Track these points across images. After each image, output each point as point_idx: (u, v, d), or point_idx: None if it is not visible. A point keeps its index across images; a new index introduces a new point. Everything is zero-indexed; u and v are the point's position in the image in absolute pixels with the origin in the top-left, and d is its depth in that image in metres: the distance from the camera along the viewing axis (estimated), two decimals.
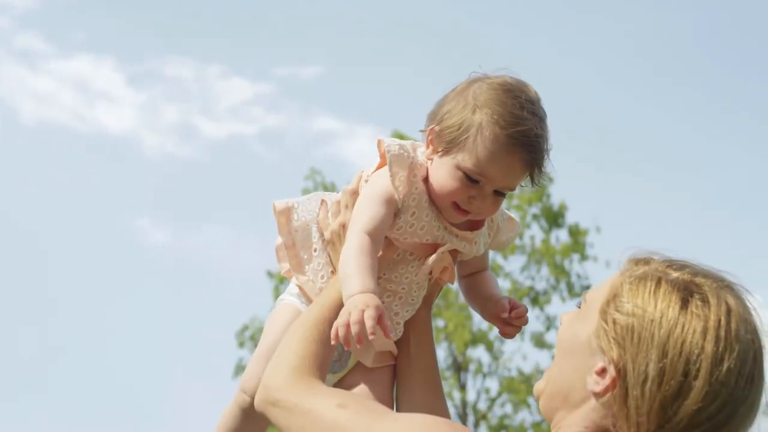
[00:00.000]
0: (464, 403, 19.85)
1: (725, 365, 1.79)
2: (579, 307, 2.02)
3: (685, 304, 1.84)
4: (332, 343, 2.23)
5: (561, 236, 20.75)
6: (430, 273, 2.50)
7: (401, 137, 15.95)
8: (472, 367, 20.07)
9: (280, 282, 20.71)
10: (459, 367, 19.83)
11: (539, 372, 20.06)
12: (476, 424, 19.86)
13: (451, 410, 19.40)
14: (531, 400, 19.94)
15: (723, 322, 1.82)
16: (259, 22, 28.29)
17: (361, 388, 2.51)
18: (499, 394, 20.21)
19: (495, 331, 20.48)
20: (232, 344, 21.51)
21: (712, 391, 1.78)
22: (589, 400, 1.89)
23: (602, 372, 1.86)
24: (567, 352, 1.97)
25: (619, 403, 1.83)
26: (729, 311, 1.84)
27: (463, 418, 19.71)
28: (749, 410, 1.83)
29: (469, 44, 27.60)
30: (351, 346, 2.21)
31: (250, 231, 28.27)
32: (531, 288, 20.53)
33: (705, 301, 1.84)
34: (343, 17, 28.43)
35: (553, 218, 20.49)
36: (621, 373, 1.83)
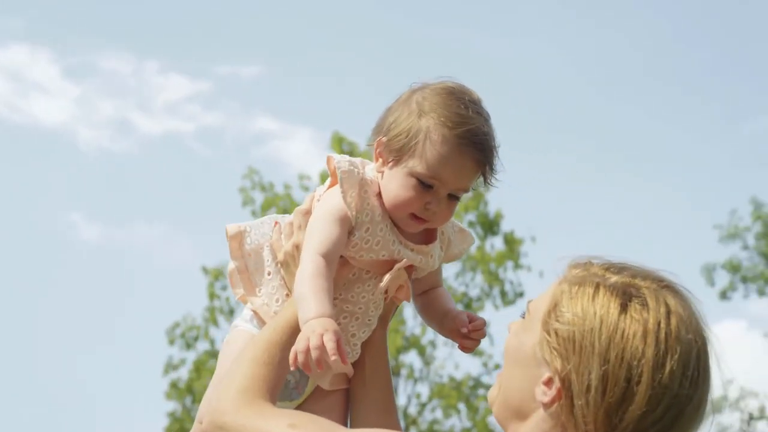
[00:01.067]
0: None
1: (667, 368, 1.79)
2: (523, 317, 2.02)
3: (624, 308, 1.84)
4: (291, 368, 2.20)
5: (496, 244, 20.88)
6: (386, 292, 2.48)
7: (341, 139, 15.87)
8: (403, 372, 20.09)
9: (215, 278, 20.55)
10: (391, 372, 19.83)
11: (471, 378, 20.16)
12: (406, 429, 19.88)
13: None
14: (461, 406, 20.03)
15: (663, 325, 1.82)
16: (200, 20, 28.12)
17: (316, 412, 2.42)
18: (430, 399, 20.27)
19: (427, 337, 20.64)
20: (163, 342, 21.32)
21: (655, 395, 1.79)
22: (538, 410, 1.89)
23: (549, 382, 1.86)
24: (514, 362, 1.97)
25: (566, 413, 1.83)
26: (669, 312, 1.84)
27: None
28: (696, 410, 1.83)
29: (407, 47, 27.68)
30: (310, 370, 2.18)
31: (185, 228, 28.08)
32: (464, 294, 20.63)
33: (644, 304, 1.84)
34: (284, 18, 28.37)
35: (489, 226, 20.60)
36: (565, 384, 1.83)
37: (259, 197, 20.68)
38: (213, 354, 20.61)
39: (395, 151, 2.40)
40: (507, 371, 1.99)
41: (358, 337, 2.50)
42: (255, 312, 2.57)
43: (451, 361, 20.57)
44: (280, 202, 20.43)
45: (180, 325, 20.85)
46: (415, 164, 2.37)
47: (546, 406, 1.87)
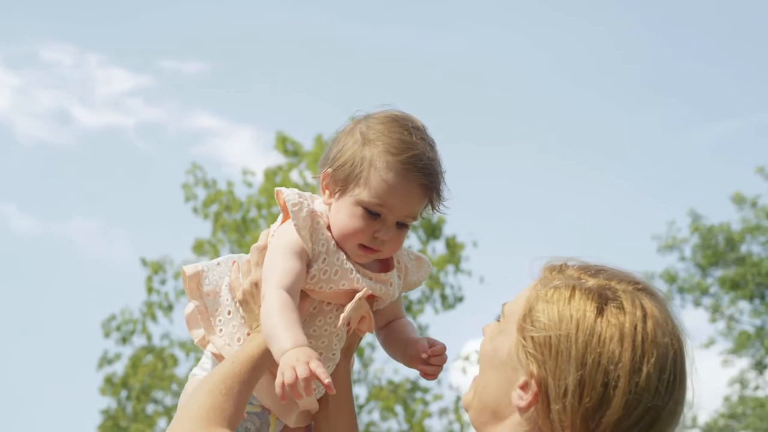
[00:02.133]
0: None
1: (644, 372, 1.78)
2: (498, 320, 2.00)
3: (600, 312, 1.82)
4: (282, 401, 2.16)
5: (438, 248, 20.92)
6: (348, 323, 2.44)
7: (285, 139, 15.78)
8: None
9: (154, 272, 20.33)
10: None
11: (408, 382, 20.18)
12: None
13: None
14: (398, 409, 20.02)
15: (639, 328, 1.81)
16: (144, 14, 27.83)
17: None
18: (367, 401, 20.25)
19: (366, 339, 20.61)
20: (98, 336, 21.03)
21: (632, 400, 1.78)
22: (514, 414, 1.88)
23: (525, 386, 1.85)
24: (490, 365, 1.95)
25: (542, 418, 1.82)
26: (645, 315, 1.83)
27: None
28: (672, 413, 1.83)
29: (347, 48, 27.68)
30: (278, 407, 2.18)
31: (122, 223, 27.79)
32: (405, 297, 20.65)
33: (620, 307, 1.83)
34: (229, 17, 28.19)
35: (431, 230, 20.64)
36: (542, 388, 1.82)
37: (201, 193, 20.51)
38: (150, 349, 20.40)
39: (341, 181, 2.39)
40: (483, 375, 1.98)
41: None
42: (215, 354, 2.53)
43: (390, 364, 20.59)
44: (222, 198, 20.28)
45: (116, 318, 20.59)
46: (361, 193, 2.36)
47: (522, 410, 1.85)
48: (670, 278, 23.72)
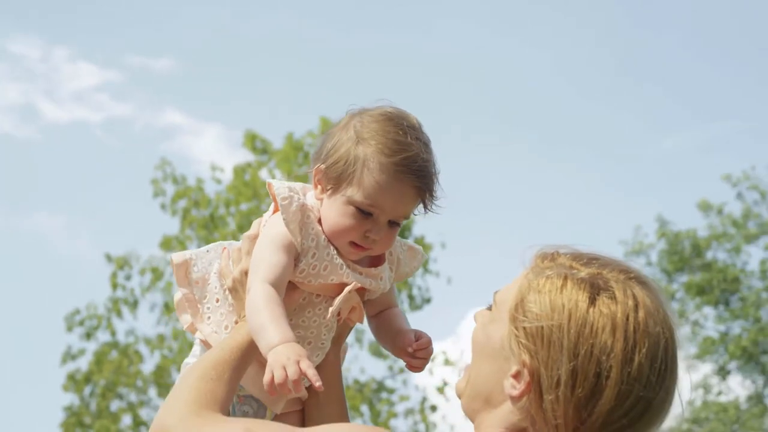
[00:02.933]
0: None
1: (636, 362, 1.79)
2: (489, 308, 2.00)
3: (592, 302, 1.83)
4: (270, 395, 2.16)
5: None
6: (339, 314, 2.44)
7: (254, 137, 15.71)
8: None
9: (119, 267, 20.18)
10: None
11: (374, 381, 20.16)
12: None
13: None
14: (364, 409, 20.00)
15: (631, 318, 1.81)
16: (113, 9, 27.62)
17: None
18: None
19: None
20: (61, 331, 20.84)
21: (624, 389, 1.79)
22: (506, 402, 1.88)
23: (517, 376, 1.85)
24: (483, 354, 1.96)
25: (535, 407, 1.83)
26: (637, 305, 1.83)
27: None
28: (663, 402, 1.84)
29: (320, 47, 27.66)
30: (266, 396, 2.19)
31: (87, 218, 27.56)
32: None
33: (612, 297, 1.83)
34: (199, 15, 28.08)
35: (400, 230, 20.68)
36: (534, 378, 1.82)
37: (170, 189, 20.39)
38: (114, 345, 20.24)
39: (333, 179, 2.37)
40: (475, 363, 1.98)
41: (312, 361, 2.42)
42: (203, 341, 2.53)
43: (357, 364, 20.57)
44: (192, 195, 20.17)
45: (80, 312, 20.43)
46: (353, 192, 2.34)
47: (515, 399, 1.86)
48: None
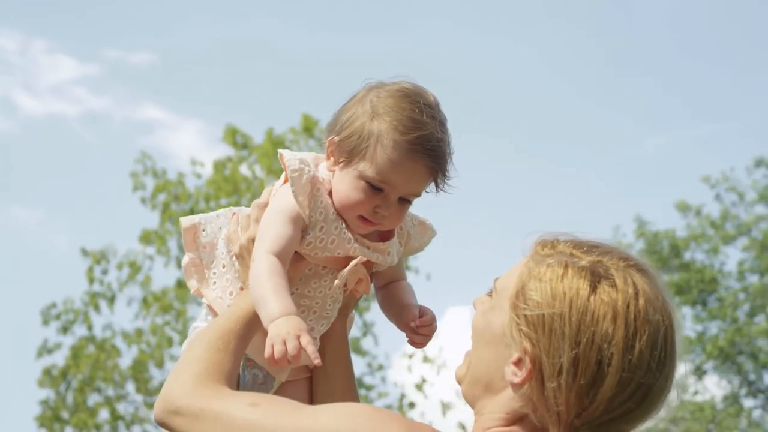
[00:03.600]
0: None
1: (636, 349, 1.81)
2: (490, 295, 2.01)
3: (593, 290, 1.84)
4: (271, 364, 2.17)
5: None
6: (345, 285, 2.45)
7: (235, 131, 15.61)
8: None
9: (96, 262, 20.08)
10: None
11: None
12: None
13: None
14: None
15: (632, 306, 1.83)
16: (92, 1, 27.47)
17: None
18: None
19: None
20: (37, 325, 20.70)
21: (626, 377, 1.81)
22: (507, 389, 1.90)
23: (518, 363, 1.87)
24: (483, 341, 1.97)
25: (537, 394, 1.84)
26: (637, 293, 1.85)
27: None
28: (662, 388, 1.87)
29: (300, 43, 27.61)
30: (270, 365, 2.20)
31: (64, 211, 27.39)
32: None
33: (613, 285, 1.85)
34: (178, 9, 27.97)
35: None
36: (536, 366, 1.84)
37: (150, 183, 20.30)
38: (91, 339, 20.14)
39: (346, 152, 2.37)
40: (475, 350, 1.99)
41: (317, 330, 2.47)
42: (209, 306, 2.54)
43: None
44: (172, 189, 20.08)
45: (56, 306, 20.31)
46: (366, 167, 2.33)
47: (516, 386, 1.87)
48: None
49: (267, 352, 2.14)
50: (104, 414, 19.82)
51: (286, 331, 2.14)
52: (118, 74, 27.26)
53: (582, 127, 30.43)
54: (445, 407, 18.90)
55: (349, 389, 2.52)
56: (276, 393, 2.48)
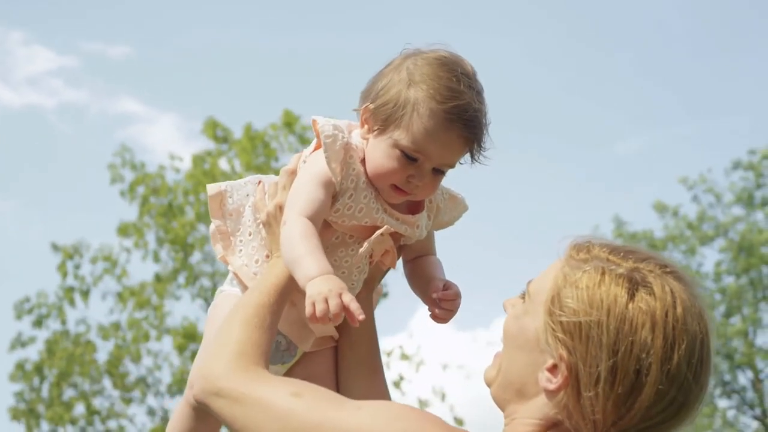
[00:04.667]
0: None
1: (675, 359, 1.79)
2: (522, 298, 1.97)
3: (631, 297, 1.81)
4: (311, 322, 2.12)
5: None
6: (371, 256, 2.42)
7: (215, 125, 15.50)
8: None
9: (68, 257, 19.91)
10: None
11: None
12: None
13: None
14: None
15: (670, 315, 1.80)
16: None
17: (305, 374, 2.39)
18: None
19: None
20: (9, 318, 20.51)
21: (663, 386, 1.79)
22: (540, 395, 1.87)
23: (553, 369, 1.84)
24: (516, 345, 1.93)
25: (572, 402, 1.81)
26: (675, 301, 1.82)
27: None
28: (698, 397, 1.85)
29: (276, 38, 27.52)
30: (294, 333, 2.25)
31: (39, 204, 27.19)
32: None
33: (651, 293, 1.82)
34: (157, 2, 27.83)
35: None
36: (572, 373, 1.81)
37: (128, 176, 20.16)
38: (65, 334, 19.99)
39: (381, 120, 2.32)
40: (508, 354, 1.95)
41: None
42: (235, 273, 2.51)
43: None
44: (152, 182, 19.94)
45: (30, 300, 20.15)
46: (401, 136, 2.29)
47: (551, 393, 1.84)
48: None
49: (308, 311, 2.09)
50: (80, 408, 19.67)
51: (327, 289, 2.09)
52: (95, 67, 27.08)
53: (562, 128, 30.51)
54: (423, 405, 18.85)
55: (373, 360, 2.50)
56: (299, 362, 2.49)
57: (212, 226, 2.54)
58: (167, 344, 19.82)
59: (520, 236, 28.73)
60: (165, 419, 19.71)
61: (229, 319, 2.21)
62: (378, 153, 2.33)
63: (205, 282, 19.64)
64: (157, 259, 19.77)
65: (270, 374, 2.07)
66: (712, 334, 1.87)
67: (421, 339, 20.12)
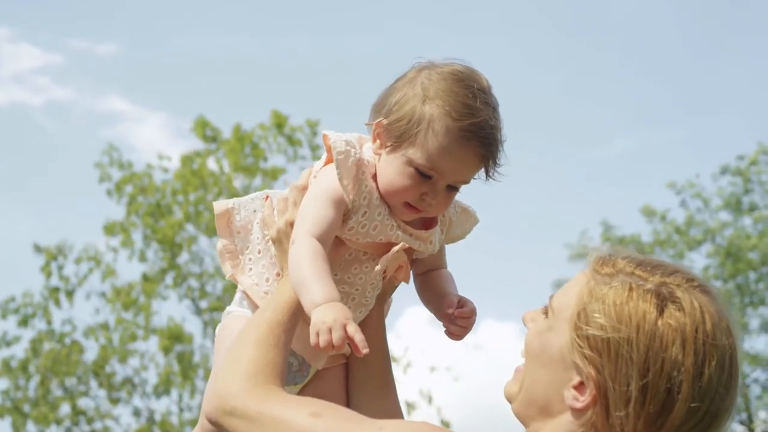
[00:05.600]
0: None
1: (706, 375, 1.76)
2: (545, 314, 1.93)
3: (660, 313, 1.78)
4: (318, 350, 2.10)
5: None
6: (384, 272, 2.37)
7: (205, 124, 15.38)
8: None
9: (52, 258, 19.79)
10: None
11: None
12: None
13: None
14: None
15: (700, 331, 1.77)
16: None
17: (316, 392, 2.33)
18: None
19: None
20: None
21: (695, 403, 1.76)
22: (566, 412, 1.83)
23: (580, 387, 1.80)
24: (540, 362, 1.89)
25: (601, 420, 1.78)
26: (704, 316, 1.79)
27: None
28: (728, 410, 1.82)
29: (256, 29, 27.45)
30: (307, 352, 2.23)
31: (25, 202, 27.04)
32: None
33: (680, 308, 1.79)
34: (145, 0, 27.68)
35: None
36: (601, 392, 1.77)
37: (116, 175, 20.05)
38: (51, 333, 19.88)
39: (395, 137, 2.27)
40: (531, 370, 1.91)
41: (356, 317, 2.38)
42: (245, 293, 2.45)
43: None
44: (140, 181, 19.84)
45: (15, 300, 20.04)
46: (415, 153, 2.25)
47: (578, 411, 1.81)
48: None
49: (312, 341, 2.06)
50: (66, 408, 19.56)
51: (332, 319, 2.06)
52: (82, 64, 26.94)
53: (549, 131, 30.53)
54: (410, 407, 18.81)
55: (386, 376, 2.47)
56: (312, 380, 2.44)
57: (220, 245, 2.49)
58: (154, 345, 19.73)
59: (506, 238, 28.71)
60: (150, 420, 19.64)
61: (242, 337, 2.16)
62: (391, 170, 2.28)
63: (193, 282, 19.56)
64: (143, 258, 19.68)
65: (287, 393, 2.04)
66: (739, 347, 1.84)
67: (408, 341, 20.09)
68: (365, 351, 2.03)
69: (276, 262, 2.41)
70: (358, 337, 2.04)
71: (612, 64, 31.61)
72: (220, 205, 2.47)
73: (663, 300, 1.79)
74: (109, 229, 19.76)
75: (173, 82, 27.99)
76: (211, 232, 19.24)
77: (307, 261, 2.17)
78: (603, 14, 31.16)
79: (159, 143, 30.69)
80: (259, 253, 2.44)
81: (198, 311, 19.57)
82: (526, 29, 30.68)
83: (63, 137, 26.83)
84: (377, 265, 2.33)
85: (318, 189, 2.29)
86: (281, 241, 2.36)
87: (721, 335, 1.80)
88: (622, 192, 30.69)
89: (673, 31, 31.88)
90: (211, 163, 19.78)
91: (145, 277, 19.55)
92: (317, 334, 2.05)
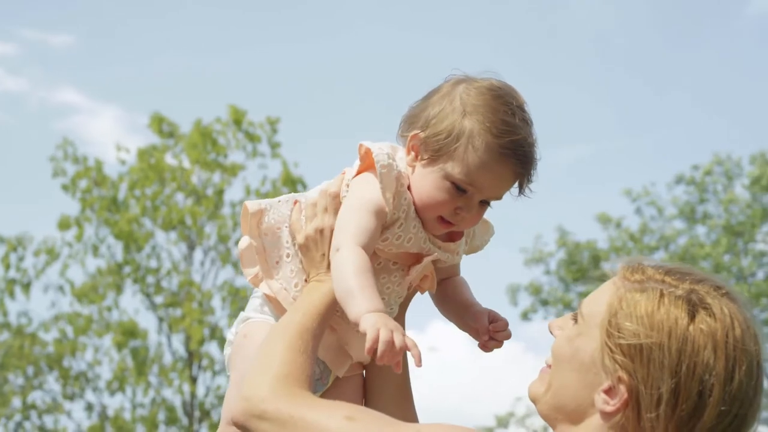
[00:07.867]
0: (193, 397, 19.43)
1: (736, 380, 1.81)
2: (575, 320, 1.97)
3: (691, 319, 1.82)
4: (340, 357, 2.16)
5: None
6: (410, 283, 2.38)
7: (161, 119, 15.25)
8: (205, 362, 19.69)
9: (12, 249, 19.53)
10: (191, 361, 19.43)
11: None
12: (200, 421, 19.49)
13: (179, 402, 18.94)
14: None
15: (730, 336, 1.82)
16: None
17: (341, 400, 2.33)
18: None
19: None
20: None
21: (726, 407, 1.80)
22: (596, 415, 1.87)
23: (610, 391, 1.83)
24: (570, 367, 1.92)
25: (632, 424, 1.81)
26: (733, 322, 1.84)
27: (190, 413, 19.27)
28: (756, 414, 1.87)
29: (223, 26, 27.29)
30: (331, 359, 2.26)
31: None
32: None
33: (711, 314, 1.83)
34: None
35: None
36: (633, 396, 1.81)
37: (70, 169, 19.80)
38: (6, 325, 19.62)
39: (432, 150, 2.28)
40: (560, 375, 1.94)
41: None
42: (268, 297, 2.43)
43: None
44: (91, 174, 19.60)
45: None
46: (453, 168, 2.26)
47: (608, 415, 1.84)
48: (535, 290, 24.17)
49: (370, 339, 2.02)
50: (17, 402, 19.30)
51: (394, 324, 2.06)
52: (35, 55, 26.59)
53: None
54: None
55: (404, 386, 2.47)
56: (330, 388, 2.43)
57: (243, 244, 2.45)
58: (108, 340, 19.52)
59: None
60: (103, 416, 19.43)
61: (270, 341, 2.15)
62: (427, 184, 2.29)
63: (150, 278, 19.38)
64: (96, 253, 19.46)
65: (318, 398, 2.03)
66: (765, 354, 1.89)
67: None
68: (420, 365, 2.04)
69: (304, 268, 2.39)
70: (416, 351, 2.04)
71: (569, 71, 31.86)
72: (254, 205, 2.44)
73: (694, 306, 1.83)
74: (64, 224, 19.52)
75: (128, 75, 27.75)
76: (167, 226, 19.10)
77: (354, 269, 2.16)
78: (560, 20, 31.39)
79: (114, 136, 30.37)
80: (288, 257, 2.42)
81: (153, 307, 19.41)
82: (483, 35, 30.83)
83: (16, 128, 26.49)
84: (405, 274, 2.36)
85: (360, 199, 2.29)
86: (309, 248, 2.35)
87: (750, 341, 1.84)
88: (578, 198, 30.94)
89: (625, 38, 32.20)
90: (169, 158, 19.64)
91: (99, 272, 19.35)
92: (377, 333, 2.02)
